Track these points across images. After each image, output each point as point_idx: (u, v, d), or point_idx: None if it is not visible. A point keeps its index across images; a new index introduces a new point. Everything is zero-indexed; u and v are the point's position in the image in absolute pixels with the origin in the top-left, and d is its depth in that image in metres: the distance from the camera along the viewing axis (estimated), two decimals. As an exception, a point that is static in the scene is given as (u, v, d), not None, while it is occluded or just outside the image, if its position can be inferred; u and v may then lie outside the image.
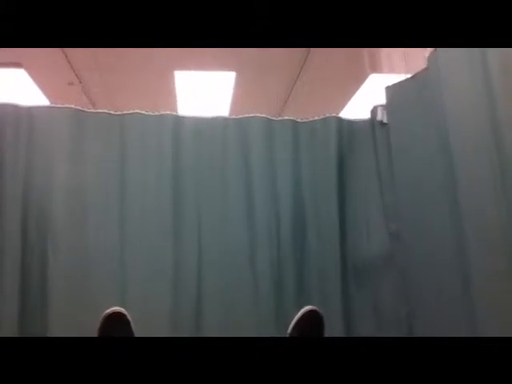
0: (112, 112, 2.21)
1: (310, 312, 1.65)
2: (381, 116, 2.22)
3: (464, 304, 1.58)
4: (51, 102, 5.01)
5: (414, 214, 1.95)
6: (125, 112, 2.22)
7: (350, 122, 2.35)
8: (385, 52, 3.91)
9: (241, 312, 2.09)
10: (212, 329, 2.06)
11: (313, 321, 1.64)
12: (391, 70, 3.73)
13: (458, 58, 1.69)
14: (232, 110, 5.21)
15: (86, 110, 2.21)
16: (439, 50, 1.80)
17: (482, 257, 1.52)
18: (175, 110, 5.24)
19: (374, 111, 2.27)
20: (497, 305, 1.46)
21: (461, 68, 1.68)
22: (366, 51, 4.25)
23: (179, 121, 2.27)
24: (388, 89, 2.16)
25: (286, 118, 2.39)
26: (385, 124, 2.20)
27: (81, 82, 5.04)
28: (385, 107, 2.22)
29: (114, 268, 2.05)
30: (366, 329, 2.10)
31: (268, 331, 2.08)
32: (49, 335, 1.87)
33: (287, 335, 1.63)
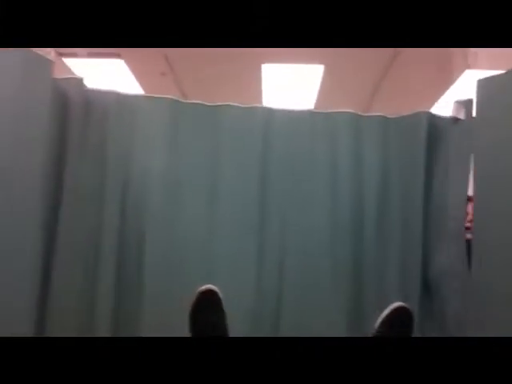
0: (206, 103, 2.29)
1: (401, 309, 1.60)
2: (456, 112, 2.14)
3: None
4: (145, 92, 5.28)
5: (493, 216, 1.85)
6: (218, 103, 2.29)
7: (439, 118, 2.28)
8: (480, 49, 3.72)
9: (318, 301, 2.13)
10: (291, 317, 2.11)
11: (403, 318, 1.60)
12: (488, 66, 3.55)
13: None
14: (317, 104, 5.20)
15: (181, 100, 2.31)
16: None
17: None
18: (260, 102, 5.33)
19: (453, 108, 2.19)
20: None
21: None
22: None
23: (269, 113, 2.32)
24: (480, 82, 2.05)
25: (375, 113, 2.36)
26: (458, 120, 2.13)
27: (173, 73, 5.25)
28: (462, 103, 2.13)
29: (203, 258, 2.14)
30: (433, 330, 2.05)
31: (343, 324, 2.12)
32: (142, 322, 2.02)
33: (373, 333, 1.62)
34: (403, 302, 1.89)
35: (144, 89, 5.35)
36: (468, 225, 2.00)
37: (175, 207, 2.17)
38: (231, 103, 2.29)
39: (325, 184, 2.25)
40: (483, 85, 2.01)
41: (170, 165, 2.20)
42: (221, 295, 1.65)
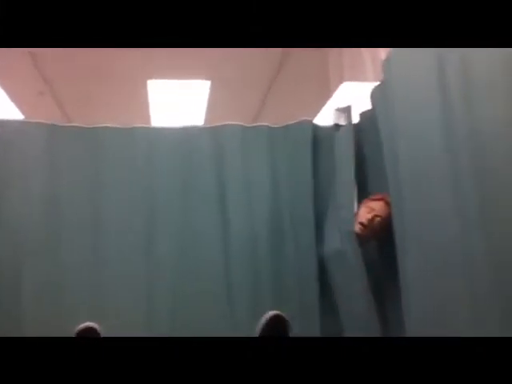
0: (84, 126, 2.18)
1: (275, 317, 1.65)
2: (336, 119, 2.26)
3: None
4: (23, 113, 4.94)
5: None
6: (97, 125, 2.19)
7: (322, 127, 2.37)
8: (355, 60, 3.97)
9: (215, 326, 2.07)
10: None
11: (279, 325, 1.65)
12: (364, 78, 3.78)
13: (412, 65, 1.72)
14: (207, 119, 5.20)
15: (58, 124, 2.19)
16: (391, 55, 1.83)
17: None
18: (148, 119, 5.23)
19: (333, 115, 2.30)
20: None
21: (415, 74, 1.71)
22: (338, 57, 4.30)
23: (152, 132, 2.26)
24: (372, 93, 2.14)
25: (259, 124, 2.39)
26: (339, 126, 2.24)
27: (52, 92, 4.98)
28: (342, 110, 2.25)
29: (88, 285, 2.03)
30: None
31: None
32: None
33: None
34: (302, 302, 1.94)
35: (22, 110, 5.01)
36: (364, 222, 2.05)
37: (55, 235, 2.05)
38: (111, 125, 2.21)
39: (214, 198, 2.22)
40: (375, 94, 2.11)
41: (49, 193, 2.08)
42: (100, 331, 1.56)
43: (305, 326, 2.02)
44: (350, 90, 4.31)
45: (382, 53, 3.26)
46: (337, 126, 2.26)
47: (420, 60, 1.70)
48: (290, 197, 2.28)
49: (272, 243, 2.21)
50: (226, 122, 2.33)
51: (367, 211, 2.06)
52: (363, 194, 2.21)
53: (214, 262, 2.15)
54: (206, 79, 4.65)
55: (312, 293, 2.14)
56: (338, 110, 2.27)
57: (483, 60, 1.56)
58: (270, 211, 2.25)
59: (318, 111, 4.46)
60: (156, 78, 4.59)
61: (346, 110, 2.24)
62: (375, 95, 2.09)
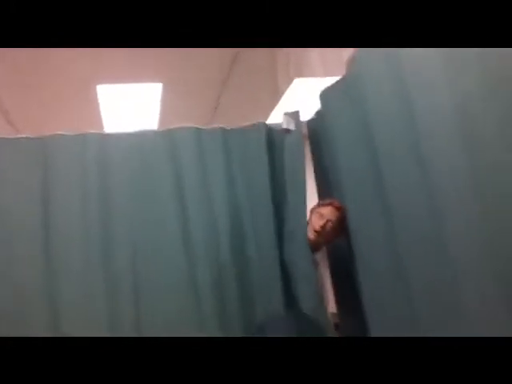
0: (31, 136, 2.11)
1: None
2: (286, 123, 2.30)
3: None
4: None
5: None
6: (45, 134, 2.13)
7: (275, 129, 2.39)
8: (305, 56, 4.02)
9: (179, 326, 2.06)
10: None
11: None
12: (312, 74, 3.83)
13: (375, 63, 1.76)
14: (161, 123, 5.14)
15: (4, 137, 2.12)
16: (357, 54, 1.87)
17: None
18: (101, 125, 5.11)
19: (283, 120, 2.34)
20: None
21: (379, 72, 1.75)
22: (286, 56, 4.34)
23: (103, 138, 2.22)
24: (322, 94, 2.19)
25: (214, 125, 2.38)
26: (289, 130, 2.28)
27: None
28: (291, 115, 2.30)
29: (42, 298, 1.98)
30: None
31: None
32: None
33: None
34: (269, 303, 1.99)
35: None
36: (317, 229, 2.10)
37: (6, 251, 1.98)
38: (61, 132, 2.15)
39: (172, 201, 2.20)
40: (324, 96, 2.15)
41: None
42: None
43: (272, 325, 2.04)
44: (301, 87, 4.35)
45: (329, 50, 3.32)
46: (287, 131, 2.30)
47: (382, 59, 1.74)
48: (248, 197, 2.29)
49: (233, 244, 2.22)
50: (180, 125, 2.31)
51: (318, 217, 2.12)
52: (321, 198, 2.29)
53: (176, 266, 2.13)
54: (158, 82, 4.58)
55: (276, 293, 2.16)
56: (287, 114, 2.31)
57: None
58: (229, 212, 2.25)
59: (271, 109, 4.48)
60: (106, 83, 4.49)
61: (295, 116, 2.29)
62: (330, 94, 2.14)
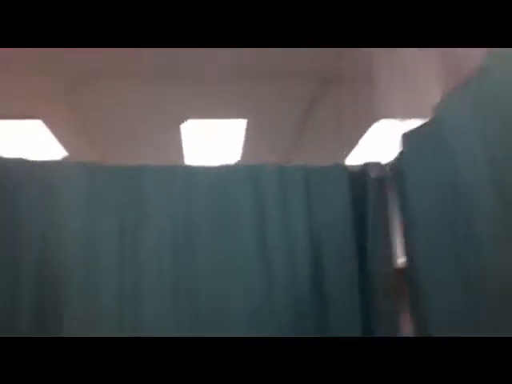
0: (122, 165, 2.23)
1: None
2: (368, 168, 2.28)
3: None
4: (67, 152, 5.14)
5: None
6: (135, 165, 2.24)
7: (355, 172, 2.35)
8: (389, 97, 3.97)
9: None
10: None
11: None
12: (394, 116, 3.79)
13: (464, 106, 1.71)
14: (243, 158, 5.27)
15: (97, 163, 2.25)
16: (446, 100, 1.83)
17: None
18: (182, 158, 5.33)
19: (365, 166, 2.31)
20: None
21: (466, 117, 1.70)
22: (369, 95, 4.32)
23: (190, 171, 2.29)
24: (404, 136, 2.16)
25: (297, 164, 2.39)
26: (370, 174, 2.26)
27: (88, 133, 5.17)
28: (373, 165, 2.27)
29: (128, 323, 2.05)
30: None
31: None
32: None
33: None
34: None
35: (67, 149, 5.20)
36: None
37: (93, 276, 2.08)
38: (149, 164, 2.25)
39: (253, 239, 2.22)
40: (408, 138, 2.12)
41: (89, 235, 2.10)
42: None
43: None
44: (383, 127, 4.30)
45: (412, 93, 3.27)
46: (368, 174, 2.27)
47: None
48: (329, 238, 2.25)
49: (312, 284, 2.19)
50: (263, 161, 2.35)
51: None
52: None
53: (254, 299, 2.14)
54: (242, 118, 4.73)
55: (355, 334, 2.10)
56: (369, 164, 2.28)
57: None
58: (310, 252, 2.23)
59: (351, 148, 4.47)
60: (192, 118, 4.70)
61: (376, 166, 2.28)
62: (413, 136, 2.10)
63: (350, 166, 2.38)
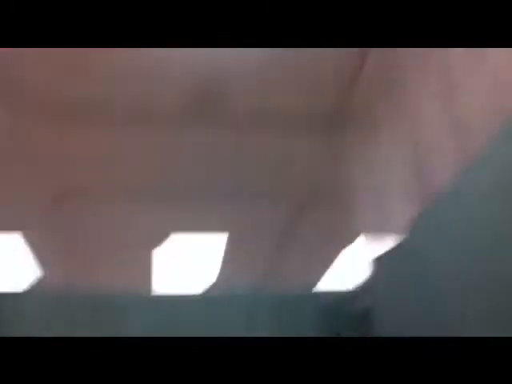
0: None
1: None
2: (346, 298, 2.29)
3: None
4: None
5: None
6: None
7: (331, 298, 2.36)
8: (365, 217, 4.09)
9: None
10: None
11: None
12: (373, 235, 3.88)
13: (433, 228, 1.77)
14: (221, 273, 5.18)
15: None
16: (415, 220, 1.90)
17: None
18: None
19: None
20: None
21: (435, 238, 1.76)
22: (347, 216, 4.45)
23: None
24: (376, 259, 2.20)
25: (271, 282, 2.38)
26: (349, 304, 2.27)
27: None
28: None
29: None
30: None
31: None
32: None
33: None
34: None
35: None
36: None
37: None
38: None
39: None
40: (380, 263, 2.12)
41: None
42: None
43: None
44: (358, 247, 4.35)
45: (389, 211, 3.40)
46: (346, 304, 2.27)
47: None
48: None
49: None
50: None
51: None
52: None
53: None
54: (223, 232, 4.75)
55: None
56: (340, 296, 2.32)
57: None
58: None
59: (329, 264, 4.47)
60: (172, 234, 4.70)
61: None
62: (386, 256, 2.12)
63: (325, 291, 2.37)
